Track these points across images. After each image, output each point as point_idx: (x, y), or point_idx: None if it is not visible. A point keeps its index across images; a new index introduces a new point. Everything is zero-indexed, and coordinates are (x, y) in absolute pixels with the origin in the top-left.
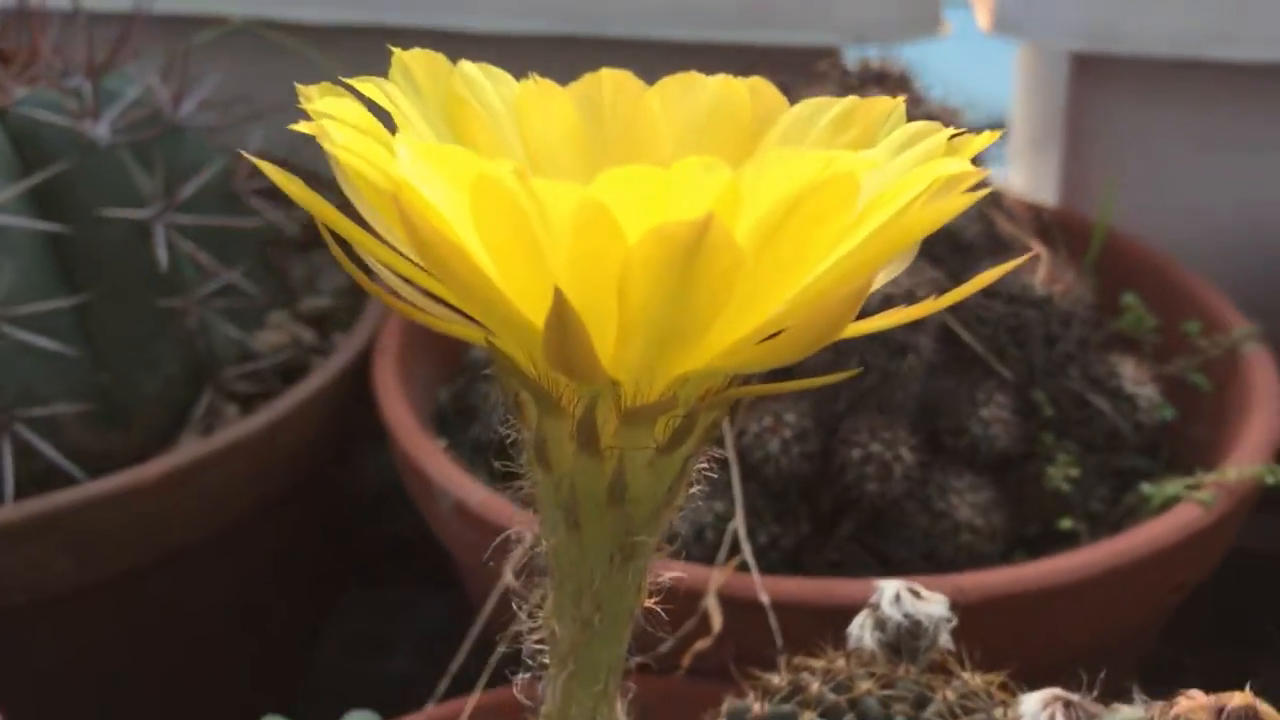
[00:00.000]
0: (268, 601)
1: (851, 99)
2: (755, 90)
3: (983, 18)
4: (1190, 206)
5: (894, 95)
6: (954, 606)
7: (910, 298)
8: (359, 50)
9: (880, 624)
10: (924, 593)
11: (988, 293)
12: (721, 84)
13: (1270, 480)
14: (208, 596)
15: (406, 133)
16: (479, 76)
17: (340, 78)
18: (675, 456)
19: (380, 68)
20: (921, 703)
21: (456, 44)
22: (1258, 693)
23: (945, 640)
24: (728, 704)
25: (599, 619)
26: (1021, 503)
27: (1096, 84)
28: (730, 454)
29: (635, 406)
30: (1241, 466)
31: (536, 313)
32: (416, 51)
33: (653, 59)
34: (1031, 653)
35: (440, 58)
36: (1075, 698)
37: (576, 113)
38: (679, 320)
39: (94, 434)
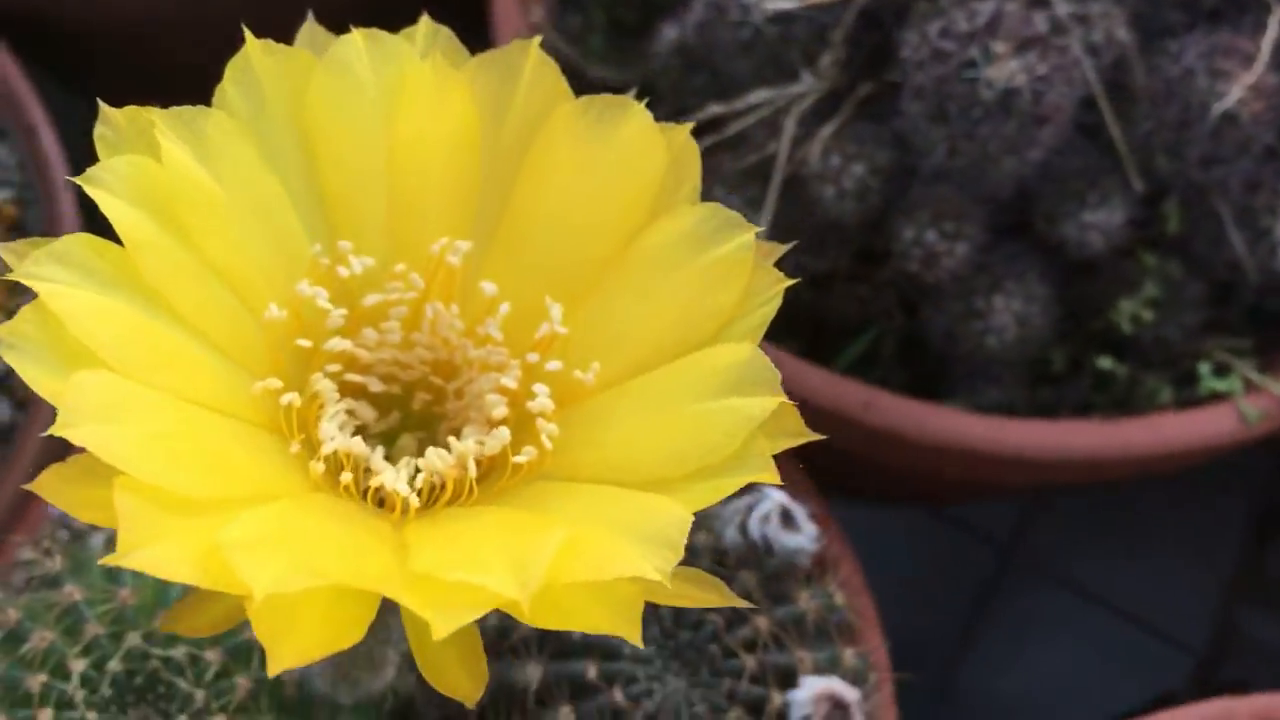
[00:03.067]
0: None
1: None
2: (674, 146)
3: None
4: None
5: None
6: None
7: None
8: None
9: (743, 529)
10: (798, 518)
11: (1167, 94)
12: (640, 132)
13: None
14: None
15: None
16: (355, 58)
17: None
18: None
19: None
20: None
21: None
22: None
23: (803, 563)
24: None
25: None
26: (1077, 309)
27: None
28: (777, 175)
29: None
30: None
31: None
32: (269, 45)
33: None
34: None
35: (296, 53)
36: (851, 696)
37: (475, 111)
38: None
39: None
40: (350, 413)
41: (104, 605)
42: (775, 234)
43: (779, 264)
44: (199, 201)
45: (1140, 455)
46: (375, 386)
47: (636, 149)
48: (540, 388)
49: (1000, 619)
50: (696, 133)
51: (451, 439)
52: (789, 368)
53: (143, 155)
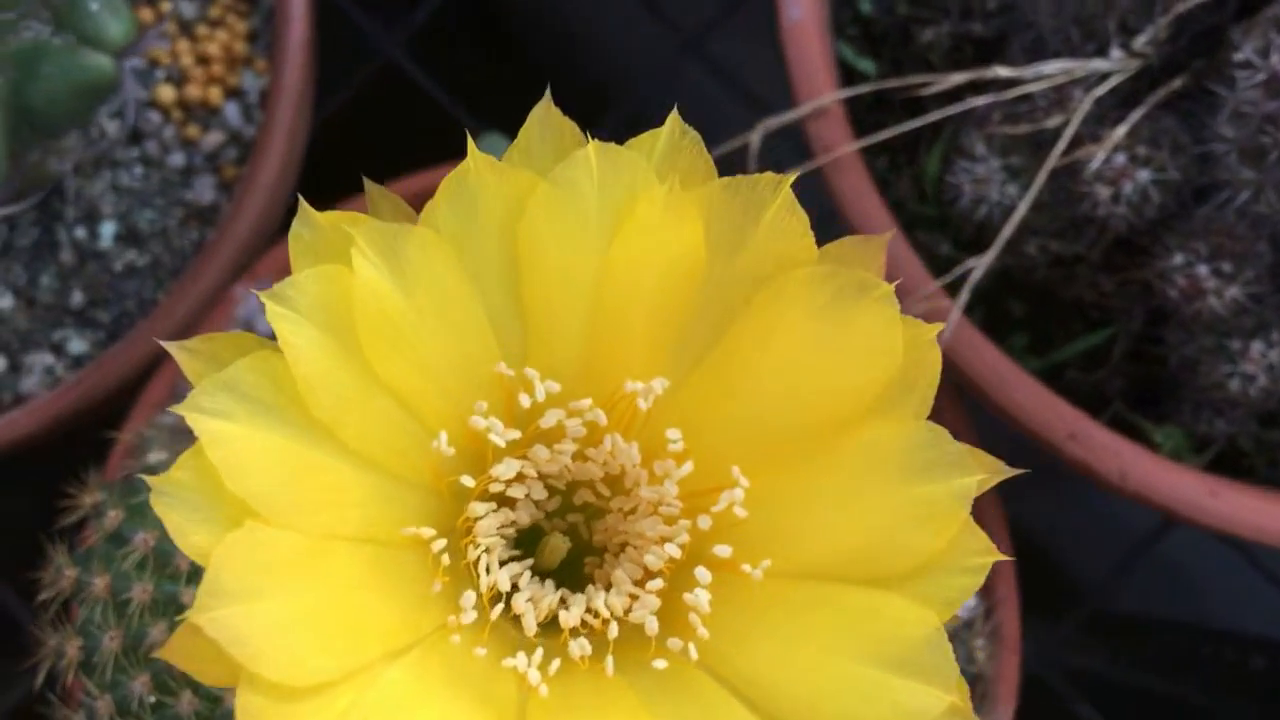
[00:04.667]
0: None
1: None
2: (914, 345)
3: None
4: None
5: None
6: None
7: None
8: None
9: None
10: None
11: None
12: (880, 324)
13: None
14: None
15: None
16: (584, 177)
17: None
18: None
19: None
20: None
21: None
22: None
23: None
24: None
25: None
26: None
27: None
28: (1051, 161)
29: None
30: None
31: None
32: (491, 161)
33: None
34: None
35: (517, 174)
36: None
37: (703, 245)
38: None
39: None
40: (506, 524)
41: None
42: (1029, 211)
43: (1019, 240)
44: (388, 324)
45: None
46: (538, 494)
47: (872, 340)
48: (702, 574)
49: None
50: (972, 86)
51: (602, 594)
52: (999, 370)
53: (337, 265)
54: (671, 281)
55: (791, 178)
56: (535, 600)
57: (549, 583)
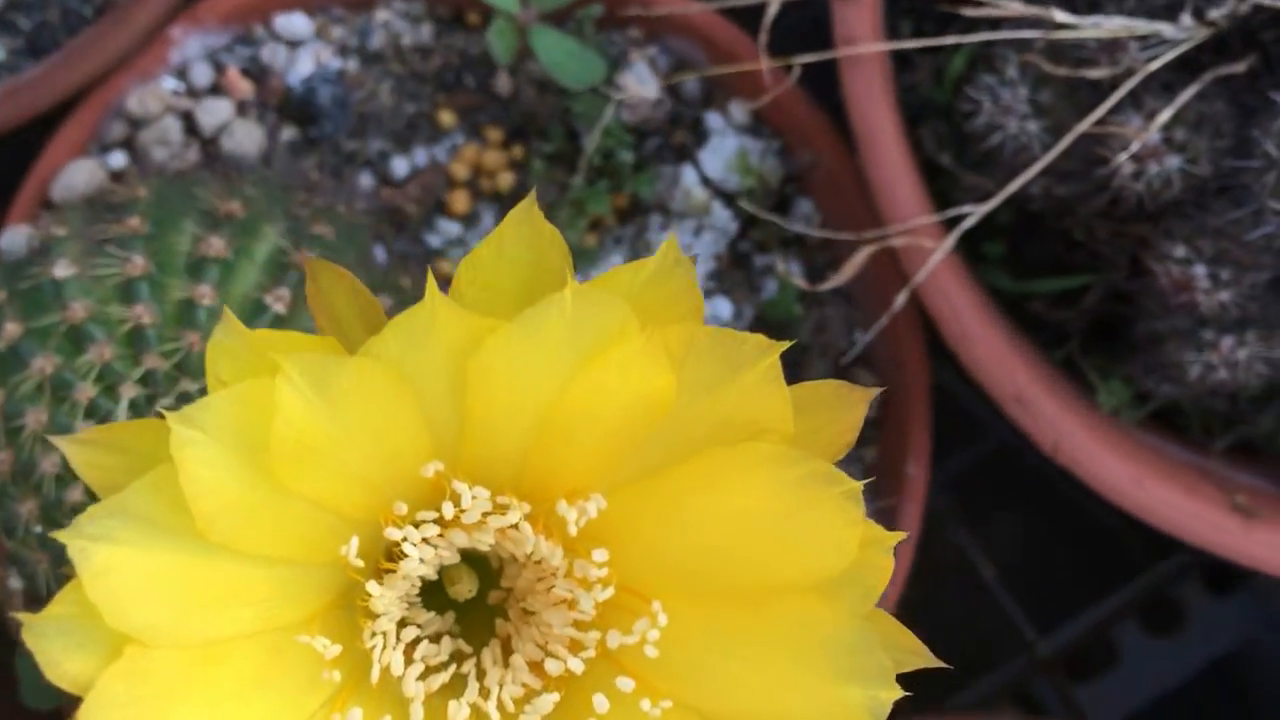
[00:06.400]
0: None
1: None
2: (869, 545)
3: None
4: None
5: None
6: None
7: None
8: None
9: None
10: None
11: None
12: (836, 522)
13: None
14: None
15: None
16: (555, 322)
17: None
18: None
19: None
20: None
21: None
22: None
23: None
24: None
25: None
26: None
27: None
28: (1086, 125)
29: None
30: None
31: None
32: (449, 302)
33: None
34: None
35: (476, 320)
36: None
37: (673, 395)
38: None
39: None
40: (411, 589)
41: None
42: (1042, 149)
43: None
44: (309, 451)
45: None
46: (451, 560)
47: (829, 532)
48: (600, 703)
49: None
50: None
51: (498, 672)
52: (962, 322)
53: (257, 383)
54: (632, 417)
55: (782, 347)
56: (427, 674)
57: (445, 643)
